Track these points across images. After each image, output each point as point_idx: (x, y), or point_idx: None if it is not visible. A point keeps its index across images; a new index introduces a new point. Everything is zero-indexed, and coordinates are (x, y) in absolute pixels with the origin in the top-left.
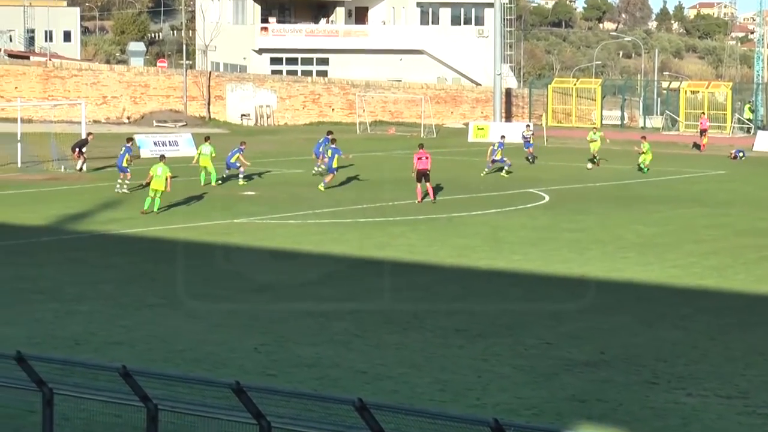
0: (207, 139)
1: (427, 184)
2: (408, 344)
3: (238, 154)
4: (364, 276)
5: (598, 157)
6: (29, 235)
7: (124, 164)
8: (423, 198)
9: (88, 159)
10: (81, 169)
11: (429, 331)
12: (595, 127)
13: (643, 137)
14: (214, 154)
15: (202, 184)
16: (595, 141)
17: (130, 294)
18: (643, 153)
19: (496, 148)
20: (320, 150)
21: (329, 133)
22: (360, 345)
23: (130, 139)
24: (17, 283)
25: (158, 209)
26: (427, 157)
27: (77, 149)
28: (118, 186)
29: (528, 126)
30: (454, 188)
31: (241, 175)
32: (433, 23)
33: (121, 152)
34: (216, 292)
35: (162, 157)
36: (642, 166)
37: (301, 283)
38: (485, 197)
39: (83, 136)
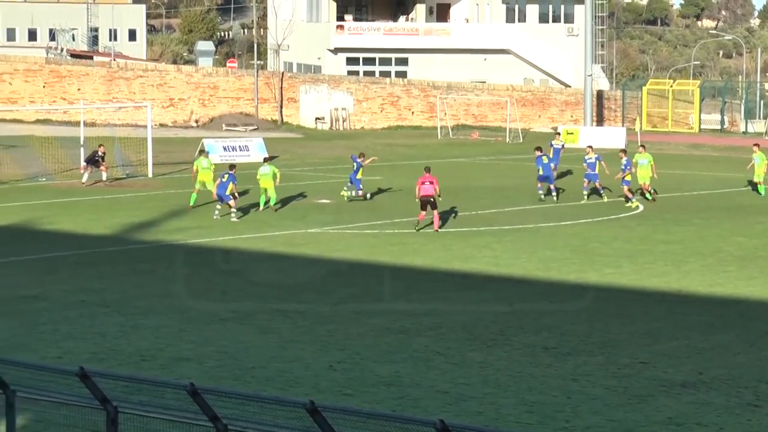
0: (268, 159)
1: (434, 211)
2: (493, 362)
3: (361, 169)
4: (446, 290)
5: (652, 191)
6: (93, 245)
7: (227, 193)
8: (439, 226)
9: (155, 164)
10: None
11: (515, 349)
12: (642, 146)
13: (756, 145)
14: (277, 174)
15: (261, 208)
16: (644, 166)
17: (199, 308)
18: (758, 167)
19: (592, 160)
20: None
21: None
22: (442, 363)
23: (233, 167)
24: (81, 296)
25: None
26: (432, 182)
27: (88, 163)
28: (216, 213)
29: (557, 135)
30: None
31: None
32: (519, 21)
33: (224, 180)
34: (289, 306)
35: (267, 158)
36: (759, 183)
37: (379, 297)
38: (575, 206)
39: (99, 151)
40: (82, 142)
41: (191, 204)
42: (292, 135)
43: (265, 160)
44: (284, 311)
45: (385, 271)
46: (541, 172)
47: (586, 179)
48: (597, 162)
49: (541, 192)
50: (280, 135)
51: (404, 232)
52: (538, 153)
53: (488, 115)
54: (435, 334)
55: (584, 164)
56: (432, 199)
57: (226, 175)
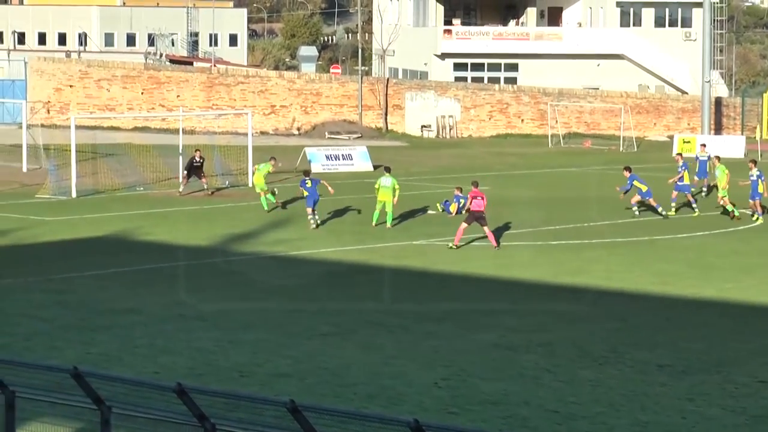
0: (388, 169)
1: (485, 228)
2: (604, 381)
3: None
4: (555, 304)
5: (735, 210)
6: (191, 256)
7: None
8: (497, 241)
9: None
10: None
11: (628, 367)
12: (716, 157)
13: None
14: (397, 190)
15: (389, 225)
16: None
17: (300, 322)
18: None
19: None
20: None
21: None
22: (551, 381)
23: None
24: (178, 309)
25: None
26: (482, 197)
27: (188, 172)
28: (312, 223)
29: (703, 146)
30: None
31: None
32: (634, 25)
33: (308, 186)
34: (392, 320)
35: (387, 168)
36: None
37: (486, 312)
38: (692, 218)
39: (195, 156)
40: (180, 151)
41: (266, 208)
42: (397, 143)
43: (387, 170)
44: (387, 326)
45: (492, 285)
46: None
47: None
48: (759, 180)
49: (635, 207)
50: (384, 143)
51: (512, 245)
52: (627, 174)
53: (601, 123)
54: (544, 350)
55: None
56: (483, 214)
57: (309, 182)
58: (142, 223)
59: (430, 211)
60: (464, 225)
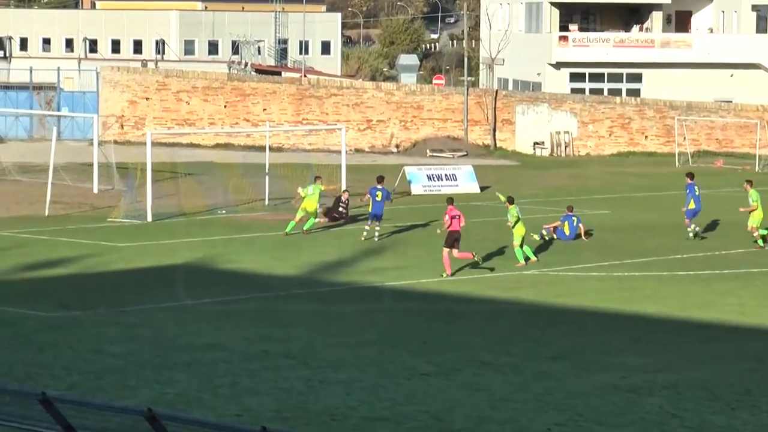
0: (512, 200)
1: (455, 250)
2: (738, 427)
3: None
4: (682, 342)
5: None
6: (278, 286)
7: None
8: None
9: (350, 195)
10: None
11: (764, 411)
12: (748, 181)
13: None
14: (519, 219)
15: (532, 259)
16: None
17: (398, 360)
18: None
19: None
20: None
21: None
22: (677, 427)
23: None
24: (263, 345)
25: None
26: (460, 216)
27: (328, 217)
28: (371, 234)
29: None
30: None
31: None
32: None
33: (378, 199)
34: (501, 358)
35: (511, 199)
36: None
37: (605, 350)
38: None
39: (342, 198)
40: (267, 170)
41: (287, 231)
42: (507, 162)
43: (510, 200)
44: (495, 365)
45: (613, 320)
46: (692, 206)
47: None
48: None
49: (690, 229)
50: (492, 162)
51: (635, 275)
52: (688, 180)
53: (734, 140)
54: (669, 393)
55: None
56: (458, 236)
57: (380, 193)
58: (225, 250)
59: (535, 236)
60: (447, 250)
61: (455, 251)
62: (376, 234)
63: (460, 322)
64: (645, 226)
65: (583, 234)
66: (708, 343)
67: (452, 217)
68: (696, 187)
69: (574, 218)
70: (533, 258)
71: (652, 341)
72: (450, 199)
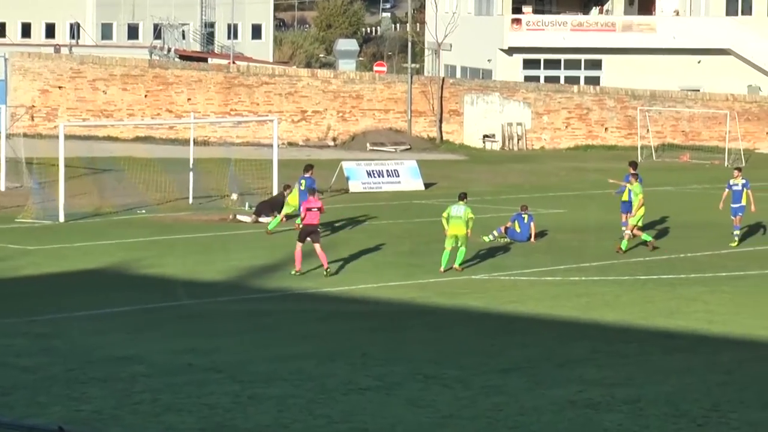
0: (463, 197)
1: (316, 245)
2: None
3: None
4: (645, 352)
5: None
6: (203, 293)
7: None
8: (329, 267)
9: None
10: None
11: (733, 429)
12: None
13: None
14: (470, 221)
15: (458, 266)
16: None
17: (335, 373)
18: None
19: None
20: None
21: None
22: None
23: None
24: (188, 357)
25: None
26: (320, 209)
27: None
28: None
29: None
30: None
31: None
32: (743, 13)
33: (301, 188)
34: (448, 371)
35: (463, 195)
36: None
37: (561, 362)
38: None
39: (286, 194)
40: (191, 166)
41: (270, 229)
42: (454, 157)
43: (462, 197)
44: (441, 378)
45: (570, 329)
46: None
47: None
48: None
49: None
50: (438, 157)
51: (594, 280)
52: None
53: (702, 133)
54: (631, 409)
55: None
56: (316, 228)
57: (304, 182)
58: (145, 254)
59: (485, 238)
60: (300, 244)
61: (317, 246)
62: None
63: (404, 331)
64: (605, 226)
65: (533, 235)
66: (673, 354)
67: (307, 210)
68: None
69: (524, 216)
70: (458, 267)
71: (612, 352)
72: (312, 191)
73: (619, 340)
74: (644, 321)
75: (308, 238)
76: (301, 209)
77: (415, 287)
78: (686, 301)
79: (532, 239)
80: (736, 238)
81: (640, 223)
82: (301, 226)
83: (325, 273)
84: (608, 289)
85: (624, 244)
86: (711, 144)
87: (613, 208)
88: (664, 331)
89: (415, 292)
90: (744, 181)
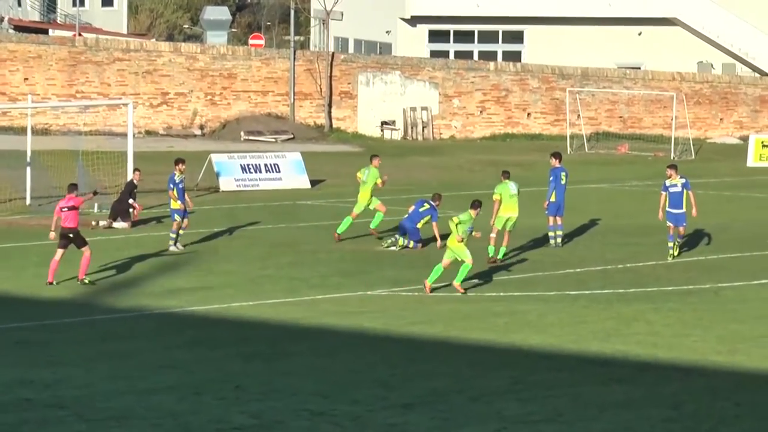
0: (507, 174)
1: (84, 250)
2: None
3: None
4: (576, 383)
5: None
6: (45, 313)
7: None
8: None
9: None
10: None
11: None
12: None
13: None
14: (378, 179)
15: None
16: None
17: (202, 410)
18: None
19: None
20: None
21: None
22: None
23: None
24: (24, 391)
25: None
26: (77, 204)
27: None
28: None
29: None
30: (727, 241)
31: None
32: None
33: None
34: (339, 407)
35: (506, 173)
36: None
37: (476, 395)
38: None
39: (135, 179)
40: (29, 159)
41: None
42: (346, 148)
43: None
44: (331, 415)
45: (485, 355)
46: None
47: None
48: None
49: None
50: (327, 148)
51: (514, 296)
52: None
53: (644, 119)
54: None
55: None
56: (77, 232)
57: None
58: None
59: (383, 245)
60: (60, 251)
61: (85, 250)
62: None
63: (286, 359)
64: (527, 231)
65: (438, 239)
66: (609, 384)
67: (62, 209)
68: (563, 174)
69: (426, 204)
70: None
71: (537, 382)
72: (72, 186)
73: (546, 369)
74: (575, 345)
75: (72, 245)
76: (56, 209)
77: (300, 306)
78: (625, 320)
79: (438, 243)
80: (671, 250)
81: (500, 226)
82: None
83: (82, 282)
84: (532, 306)
85: (491, 251)
86: (654, 132)
87: (536, 210)
88: (598, 357)
89: (300, 312)
90: (683, 181)
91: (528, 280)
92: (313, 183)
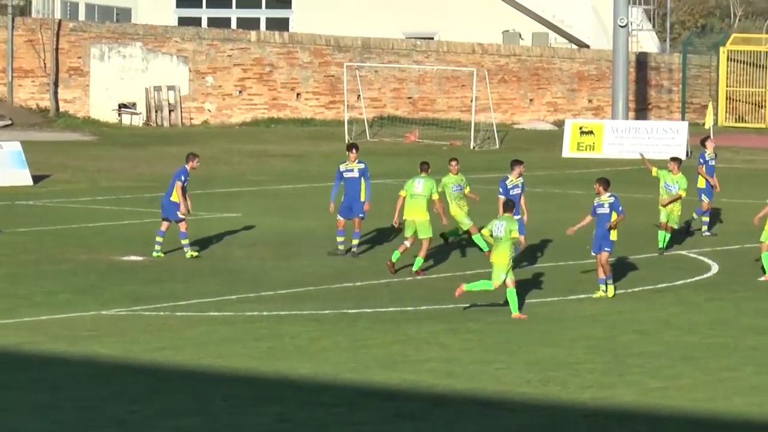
0: (425, 167)
1: None
2: None
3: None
4: (356, 421)
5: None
6: None
7: None
8: None
9: None
10: None
11: None
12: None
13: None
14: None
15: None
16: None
17: None
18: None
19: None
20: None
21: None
22: None
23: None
24: None
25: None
26: None
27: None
28: None
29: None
30: (538, 248)
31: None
32: None
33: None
34: None
35: (425, 165)
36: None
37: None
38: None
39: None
40: None
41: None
42: (76, 136)
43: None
44: None
45: (246, 387)
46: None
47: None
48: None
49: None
50: (52, 136)
51: (280, 315)
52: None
53: (438, 100)
54: None
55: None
56: None
57: None
58: None
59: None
60: None
61: None
62: None
63: (1, 392)
64: (297, 237)
65: (191, 251)
66: (396, 421)
67: None
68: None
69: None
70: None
71: (309, 420)
72: None
73: (318, 403)
74: (354, 374)
75: None
76: None
77: (20, 329)
78: (416, 344)
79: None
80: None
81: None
82: None
83: None
84: (302, 328)
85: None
86: (450, 116)
87: (307, 212)
88: (383, 389)
89: (21, 336)
90: (613, 200)
91: (298, 295)
92: (36, 179)
